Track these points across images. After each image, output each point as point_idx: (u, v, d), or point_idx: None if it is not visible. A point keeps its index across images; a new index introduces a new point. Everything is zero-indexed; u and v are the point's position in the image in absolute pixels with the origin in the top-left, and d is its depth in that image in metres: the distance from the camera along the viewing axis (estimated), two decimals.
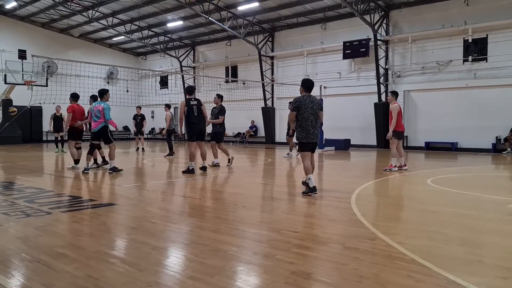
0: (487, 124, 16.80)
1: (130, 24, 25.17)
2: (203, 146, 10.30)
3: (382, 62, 19.66)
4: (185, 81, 28.33)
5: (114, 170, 9.92)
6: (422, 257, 3.68)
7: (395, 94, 10.71)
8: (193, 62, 28.39)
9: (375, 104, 19.47)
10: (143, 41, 27.17)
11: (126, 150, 18.59)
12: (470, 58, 17.37)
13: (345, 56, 20.38)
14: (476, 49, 17.31)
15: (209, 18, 20.93)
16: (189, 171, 9.77)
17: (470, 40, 17.24)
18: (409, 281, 3.18)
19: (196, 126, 10.00)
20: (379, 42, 19.30)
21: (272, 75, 24.21)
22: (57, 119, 16.60)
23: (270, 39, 24.16)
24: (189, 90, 10.37)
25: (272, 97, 24.22)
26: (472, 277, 3.26)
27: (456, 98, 17.71)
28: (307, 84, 7.15)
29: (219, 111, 11.46)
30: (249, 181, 9.10)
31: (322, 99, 7.48)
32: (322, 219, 5.38)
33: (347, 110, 20.54)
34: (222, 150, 11.40)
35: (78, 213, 5.68)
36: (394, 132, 10.34)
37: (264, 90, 23.74)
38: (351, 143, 19.89)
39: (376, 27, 18.94)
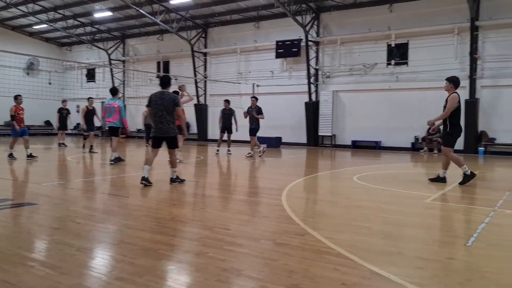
0: (407, 124, 17.95)
1: (53, 12, 23.67)
2: None
3: (313, 63, 20.25)
4: (113, 75, 27.25)
5: (119, 160, 11.03)
6: (348, 251, 3.84)
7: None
8: (123, 56, 27.37)
9: (306, 103, 20.03)
10: (67, 31, 25.69)
11: (48, 146, 17.50)
12: (393, 62, 18.46)
13: (278, 55, 20.75)
14: (398, 54, 18.43)
15: (140, 10, 20.29)
16: (441, 179, 8.24)
17: (393, 45, 18.31)
18: (336, 274, 3.30)
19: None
20: (310, 43, 19.87)
21: (205, 72, 24.02)
22: None
23: (203, 35, 23.94)
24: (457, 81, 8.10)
25: (205, 94, 24.04)
26: (392, 268, 3.46)
27: (380, 99, 18.73)
28: (161, 81, 7.74)
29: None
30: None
31: (176, 96, 7.83)
32: (254, 216, 5.43)
33: (279, 108, 20.92)
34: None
35: None
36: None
37: (196, 87, 23.49)
38: (282, 141, 20.30)
39: (307, 28, 19.48)
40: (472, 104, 16.30)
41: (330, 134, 19.90)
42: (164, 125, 7.44)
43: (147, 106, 7.68)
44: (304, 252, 3.85)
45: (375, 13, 18.60)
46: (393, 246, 4.11)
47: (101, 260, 3.68)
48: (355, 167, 11.68)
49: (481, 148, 16.27)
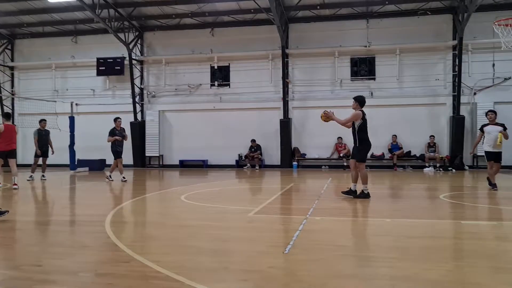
0: (232, 143, 18.94)
1: None
2: None
3: (137, 82, 19.82)
4: None
5: None
6: (176, 272, 3.75)
7: (6, 116, 11.46)
8: None
9: (131, 123, 19.39)
10: None
11: None
12: (216, 83, 19.36)
13: (99, 73, 19.72)
14: (221, 76, 19.45)
15: None
16: (365, 195, 8.47)
17: (216, 67, 19.25)
18: None
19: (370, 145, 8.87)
20: (134, 62, 19.45)
21: (12, 88, 21.23)
22: None
23: (9, 47, 21.22)
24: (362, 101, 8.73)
25: (13, 113, 21.17)
26: (220, 284, 3.51)
27: (205, 119, 19.36)
28: None
29: None
30: None
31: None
32: (73, 247, 4.91)
33: (102, 129, 19.57)
34: None
35: None
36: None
37: (2, 105, 20.58)
38: (107, 163, 19.16)
39: (131, 46, 19.03)
40: (286, 123, 18.16)
41: (157, 154, 19.65)
42: None
43: None
44: (130, 280, 3.62)
45: (198, 36, 19.30)
46: (220, 262, 4.19)
47: None
48: (183, 187, 11.72)
49: (295, 163, 18.16)
